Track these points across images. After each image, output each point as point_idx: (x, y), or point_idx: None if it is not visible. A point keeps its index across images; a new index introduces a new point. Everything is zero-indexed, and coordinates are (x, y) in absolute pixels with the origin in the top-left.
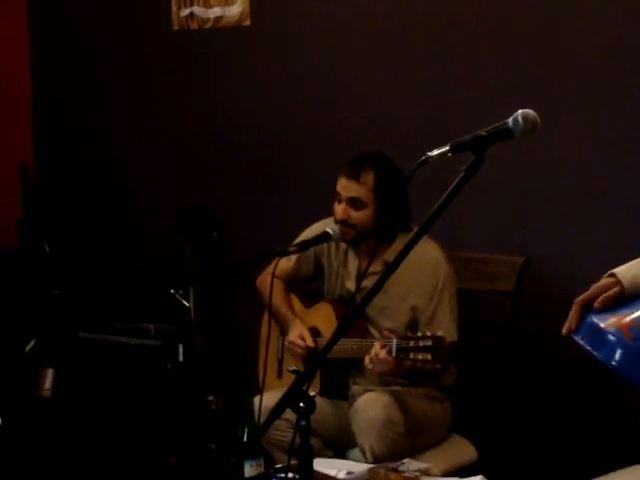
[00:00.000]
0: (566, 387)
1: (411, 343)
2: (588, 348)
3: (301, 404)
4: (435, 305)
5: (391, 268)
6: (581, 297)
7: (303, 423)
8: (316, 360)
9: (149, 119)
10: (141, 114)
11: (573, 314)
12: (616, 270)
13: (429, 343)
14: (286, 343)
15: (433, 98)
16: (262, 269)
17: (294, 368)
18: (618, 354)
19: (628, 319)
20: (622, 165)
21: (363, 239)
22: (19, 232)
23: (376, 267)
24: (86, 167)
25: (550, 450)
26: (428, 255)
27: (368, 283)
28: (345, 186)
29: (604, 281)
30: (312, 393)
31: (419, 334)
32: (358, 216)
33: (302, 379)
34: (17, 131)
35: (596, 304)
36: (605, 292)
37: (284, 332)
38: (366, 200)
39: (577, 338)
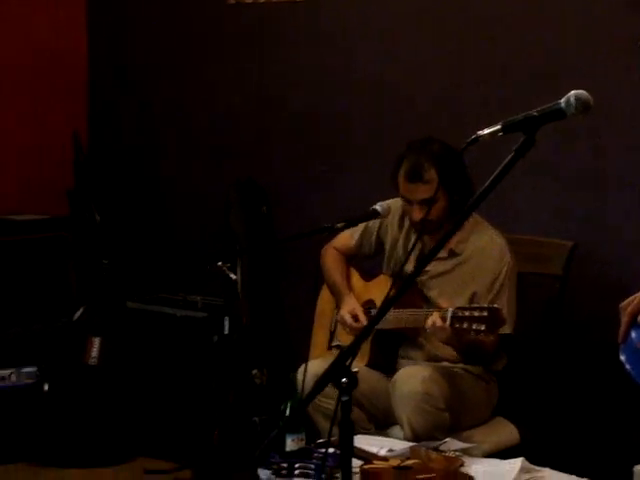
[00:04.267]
0: (612, 371)
1: (467, 313)
2: (629, 370)
3: (343, 380)
4: (495, 295)
5: (440, 243)
6: (630, 306)
7: (345, 399)
8: (362, 334)
9: (202, 90)
10: (194, 85)
11: (623, 325)
12: None
13: (485, 314)
14: (337, 317)
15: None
16: (311, 244)
17: (337, 344)
18: None
19: None
20: None
21: (441, 226)
22: (69, 200)
23: (440, 253)
24: (138, 137)
25: (594, 435)
26: (493, 244)
27: (430, 267)
28: (411, 190)
29: None
30: (356, 369)
31: (475, 304)
32: (434, 212)
33: (346, 353)
34: (71, 100)
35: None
36: None
37: (338, 306)
38: (437, 194)
39: (621, 355)
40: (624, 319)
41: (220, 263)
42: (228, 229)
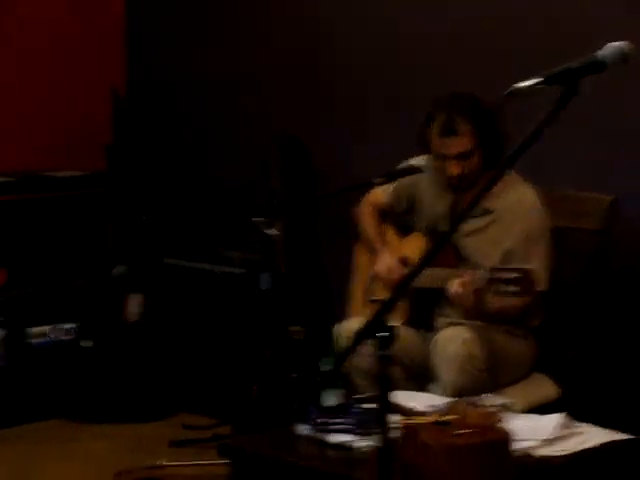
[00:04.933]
0: None
1: (500, 275)
2: None
3: (381, 334)
4: (529, 251)
5: (475, 200)
6: None
7: (382, 354)
8: (399, 290)
9: (243, 45)
10: (235, 40)
11: None
12: None
13: (517, 275)
14: (372, 273)
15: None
16: (351, 200)
17: (374, 298)
18: None
19: None
20: None
21: (476, 182)
22: (108, 156)
23: (473, 211)
24: (178, 93)
25: (635, 390)
26: (526, 199)
27: (463, 225)
28: (446, 145)
29: None
30: (394, 324)
31: (510, 266)
32: (470, 166)
33: (384, 308)
34: (110, 56)
35: None
36: None
37: (374, 259)
38: (472, 148)
39: None
40: None
41: (259, 219)
42: (268, 185)
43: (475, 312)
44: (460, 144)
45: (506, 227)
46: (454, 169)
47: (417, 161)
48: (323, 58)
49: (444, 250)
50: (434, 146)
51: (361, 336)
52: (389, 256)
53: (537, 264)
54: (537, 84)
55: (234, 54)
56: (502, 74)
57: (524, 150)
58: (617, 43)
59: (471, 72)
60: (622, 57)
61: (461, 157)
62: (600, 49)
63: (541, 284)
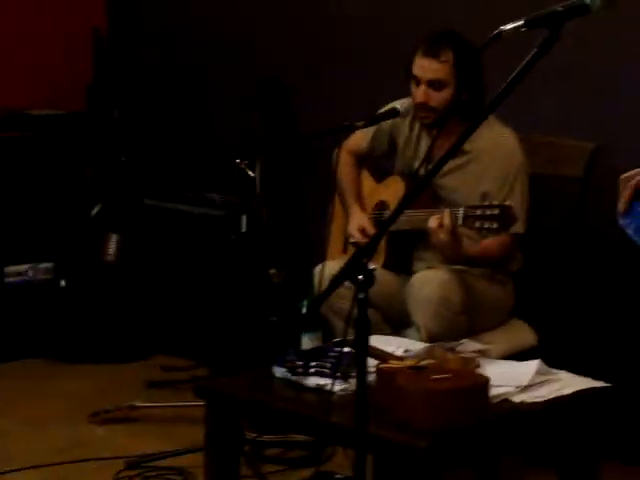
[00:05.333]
0: (631, 275)
1: (478, 212)
2: (632, 235)
3: (360, 276)
4: (506, 193)
5: (457, 144)
6: (634, 180)
7: (361, 296)
8: (379, 232)
9: None
10: None
11: (625, 196)
12: None
13: (496, 212)
14: (347, 231)
15: None
16: (332, 142)
17: (355, 240)
18: None
19: None
20: None
21: (443, 121)
22: (88, 97)
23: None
24: (159, 34)
25: (611, 338)
26: (505, 142)
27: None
28: (424, 66)
29: None
30: (373, 266)
31: (486, 203)
32: (439, 97)
33: (363, 251)
34: None
35: None
36: None
37: (346, 215)
38: (446, 79)
39: (622, 223)
40: (626, 191)
41: (239, 160)
42: (247, 126)
43: (454, 253)
44: (437, 70)
45: (483, 168)
46: (421, 95)
47: (399, 104)
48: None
49: (422, 192)
50: (414, 67)
51: (339, 278)
52: (361, 214)
53: (514, 206)
54: (522, 26)
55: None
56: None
57: (507, 93)
58: None
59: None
60: (607, 1)
61: (433, 85)
62: None
63: (518, 227)
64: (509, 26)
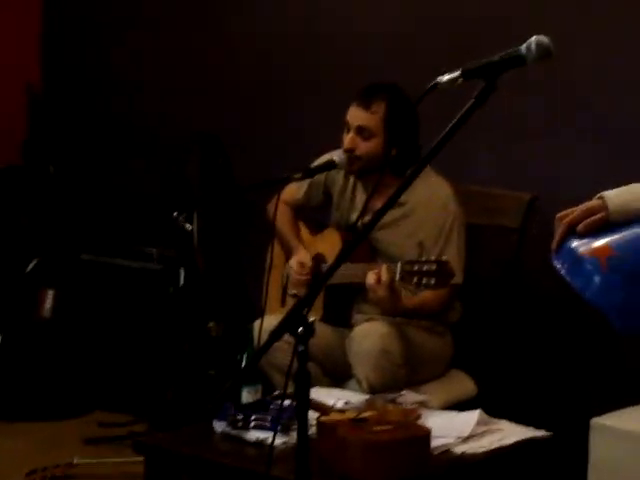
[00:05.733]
0: (569, 324)
1: (415, 267)
2: (564, 275)
3: (300, 329)
4: (442, 244)
5: (393, 198)
6: (568, 217)
7: (301, 348)
8: (318, 283)
9: (157, 42)
10: (148, 37)
11: (558, 235)
12: (605, 193)
13: (433, 267)
14: (287, 268)
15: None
16: (269, 196)
17: (294, 292)
18: (592, 285)
19: (607, 245)
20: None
21: (370, 172)
22: (24, 151)
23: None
24: (92, 89)
25: (551, 387)
26: (439, 193)
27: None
28: (355, 114)
29: (591, 203)
30: (312, 318)
31: (424, 258)
32: (366, 146)
33: (302, 303)
34: (24, 51)
35: (579, 228)
36: (591, 215)
37: (288, 259)
38: (375, 130)
39: (556, 262)
40: (560, 229)
41: (176, 214)
42: (184, 180)
43: (392, 307)
44: (367, 118)
45: (419, 220)
46: (348, 142)
47: (336, 155)
48: (236, 53)
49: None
50: (347, 116)
51: (279, 331)
52: (304, 253)
53: (451, 257)
54: (457, 78)
55: (146, 51)
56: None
57: (444, 144)
58: (537, 38)
59: (394, 66)
60: (543, 52)
61: (361, 132)
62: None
63: (456, 277)
64: (445, 77)
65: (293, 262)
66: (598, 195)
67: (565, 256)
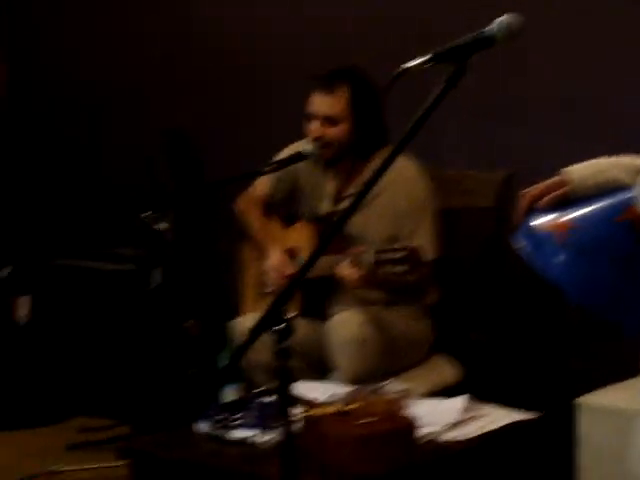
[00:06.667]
0: (552, 303)
1: (387, 255)
2: (524, 255)
3: (279, 326)
4: (414, 222)
5: (368, 185)
6: (529, 192)
7: (281, 346)
8: (295, 280)
9: (122, 40)
10: (113, 36)
11: (520, 210)
12: (568, 169)
13: (404, 254)
14: (264, 270)
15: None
16: (240, 191)
17: (270, 289)
18: (549, 261)
19: (565, 220)
20: (609, 79)
21: (340, 158)
22: None
23: (354, 189)
24: (57, 88)
25: (537, 368)
26: (407, 172)
27: (345, 205)
28: (319, 102)
29: (554, 179)
30: (291, 314)
31: (395, 246)
32: (333, 133)
33: (280, 300)
34: None
35: (540, 203)
36: (553, 191)
37: (260, 257)
38: (341, 115)
39: (517, 242)
40: (522, 203)
41: (149, 213)
42: (155, 179)
43: (370, 284)
44: (331, 105)
45: (390, 198)
46: (315, 131)
47: (302, 145)
48: (206, 49)
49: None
50: (308, 107)
51: (257, 330)
52: (278, 251)
53: (424, 235)
54: (426, 62)
55: (112, 50)
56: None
57: (417, 129)
58: (505, 17)
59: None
60: (511, 31)
61: (327, 120)
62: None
63: (430, 254)
64: (414, 62)
65: (272, 263)
66: (561, 170)
67: (525, 234)
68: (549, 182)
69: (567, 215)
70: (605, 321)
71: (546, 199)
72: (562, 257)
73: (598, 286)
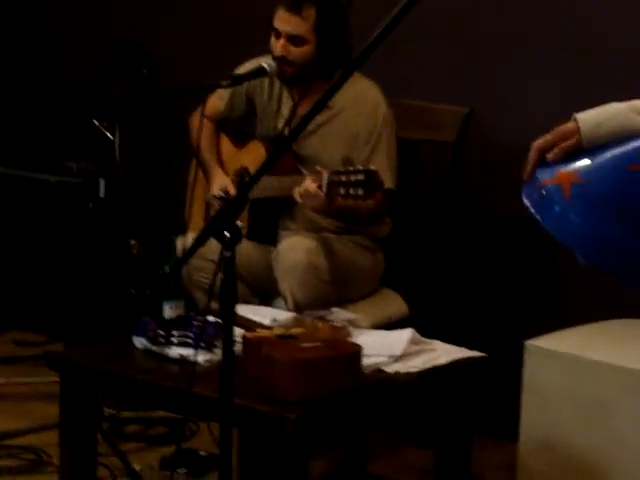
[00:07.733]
0: (505, 244)
1: (343, 178)
2: (530, 211)
3: (226, 233)
4: (371, 148)
5: (320, 102)
6: (540, 142)
7: (227, 254)
8: (242, 192)
9: None
10: None
11: (531, 161)
12: (580, 115)
13: (361, 177)
14: (209, 196)
15: None
16: (194, 105)
17: (221, 195)
18: (552, 214)
19: (573, 171)
20: (574, 11)
21: (302, 78)
22: None
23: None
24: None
25: (485, 308)
26: (367, 96)
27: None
28: (285, 20)
29: (564, 127)
30: (240, 223)
31: (351, 168)
32: (298, 52)
33: (229, 207)
34: None
35: (549, 156)
36: (562, 141)
37: (207, 181)
38: (307, 36)
39: (524, 198)
40: (532, 154)
41: (96, 121)
42: (106, 90)
43: (328, 209)
44: (298, 25)
45: (347, 121)
46: (280, 49)
47: (264, 61)
48: None
49: (283, 156)
50: (274, 20)
51: (204, 235)
52: (223, 176)
53: (380, 162)
54: None
55: None
56: None
57: (375, 47)
58: None
59: None
60: None
61: (292, 40)
62: None
63: (386, 182)
64: None
65: (215, 190)
66: (573, 116)
67: (532, 188)
68: (558, 131)
69: (576, 166)
70: (615, 279)
71: (556, 150)
72: (565, 210)
73: (609, 243)
